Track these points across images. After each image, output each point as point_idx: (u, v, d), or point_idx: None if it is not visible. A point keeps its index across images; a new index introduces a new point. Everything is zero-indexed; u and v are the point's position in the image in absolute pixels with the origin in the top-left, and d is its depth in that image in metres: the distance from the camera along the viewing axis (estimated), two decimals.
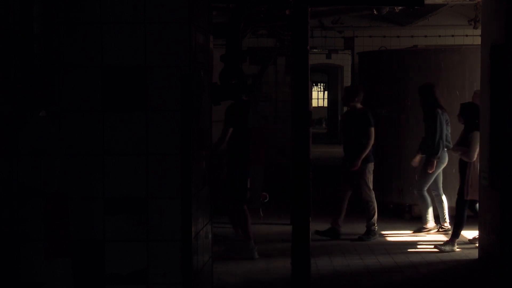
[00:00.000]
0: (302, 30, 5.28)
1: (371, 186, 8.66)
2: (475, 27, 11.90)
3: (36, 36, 4.58)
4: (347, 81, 22.26)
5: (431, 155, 8.61)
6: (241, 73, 5.71)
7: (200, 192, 5.10)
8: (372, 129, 8.49)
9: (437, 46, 11.88)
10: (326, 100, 36.56)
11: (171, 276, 4.71)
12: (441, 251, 7.87)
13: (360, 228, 8.81)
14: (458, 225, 7.98)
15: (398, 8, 9.60)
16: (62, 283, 4.68)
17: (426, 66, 9.65)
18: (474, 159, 7.81)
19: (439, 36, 13.47)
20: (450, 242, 7.98)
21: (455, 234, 7.99)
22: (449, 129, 8.76)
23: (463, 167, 7.94)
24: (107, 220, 4.69)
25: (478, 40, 8.73)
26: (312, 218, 5.34)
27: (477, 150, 7.77)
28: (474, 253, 7.72)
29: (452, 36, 13.44)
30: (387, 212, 9.88)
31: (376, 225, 8.63)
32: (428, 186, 8.82)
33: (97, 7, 4.62)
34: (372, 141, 8.49)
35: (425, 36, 13.46)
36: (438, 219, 8.92)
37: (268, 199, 9.90)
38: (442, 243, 8.09)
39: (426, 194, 8.83)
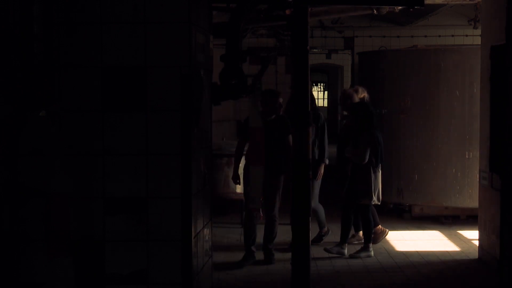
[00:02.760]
0: (302, 30, 5.28)
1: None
2: (475, 27, 11.90)
3: (36, 36, 4.58)
4: (347, 81, 22.26)
5: (320, 161, 8.07)
6: (241, 73, 5.70)
7: (200, 192, 5.10)
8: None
9: (437, 46, 11.87)
10: (326, 100, 36.52)
11: (171, 276, 4.72)
12: (356, 258, 7.53)
13: None
14: (367, 229, 7.70)
15: (398, 8, 9.58)
16: (62, 283, 4.69)
17: (426, 66, 9.64)
18: (366, 160, 7.49)
19: (439, 36, 13.47)
20: (366, 248, 7.67)
21: (368, 239, 7.69)
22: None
23: (358, 169, 7.57)
24: (107, 220, 4.69)
25: (478, 40, 8.72)
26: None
27: (368, 151, 7.46)
28: (474, 253, 7.71)
29: (452, 36, 13.43)
30: (387, 211, 9.86)
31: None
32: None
33: (97, 7, 4.63)
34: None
35: (425, 36, 13.45)
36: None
37: None
38: (357, 251, 7.70)
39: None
